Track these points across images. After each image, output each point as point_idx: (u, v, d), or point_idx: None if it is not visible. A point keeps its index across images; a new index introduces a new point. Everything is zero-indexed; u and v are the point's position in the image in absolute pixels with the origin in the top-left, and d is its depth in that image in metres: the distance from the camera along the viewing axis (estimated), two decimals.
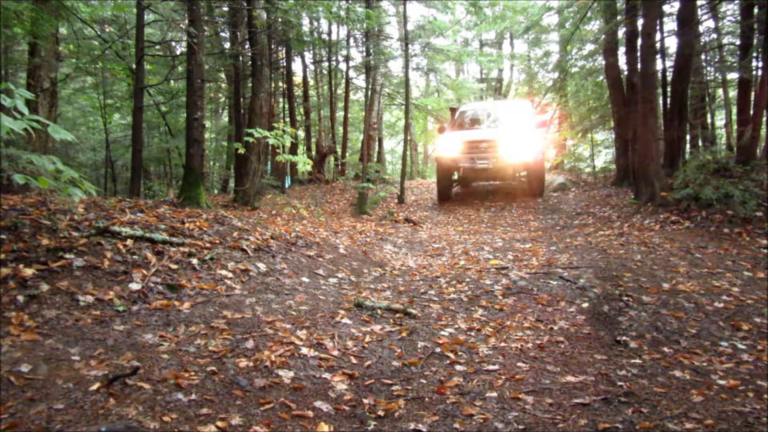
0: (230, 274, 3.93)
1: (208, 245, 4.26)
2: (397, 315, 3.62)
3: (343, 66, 15.98)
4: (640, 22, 8.38)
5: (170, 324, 3.05)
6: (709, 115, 12.32)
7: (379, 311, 3.65)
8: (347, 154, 16.98)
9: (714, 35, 11.45)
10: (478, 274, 4.73)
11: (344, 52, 15.27)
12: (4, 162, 3.41)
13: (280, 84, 14.56)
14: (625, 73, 10.44)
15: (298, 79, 16.78)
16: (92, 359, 2.51)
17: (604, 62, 11.18)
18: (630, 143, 9.94)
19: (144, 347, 2.70)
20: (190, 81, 7.55)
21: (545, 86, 17.22)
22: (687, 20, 8.28)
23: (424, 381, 2.69)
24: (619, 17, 10.26)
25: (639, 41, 8.45)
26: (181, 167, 12.06)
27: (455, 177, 10.77)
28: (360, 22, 11.47)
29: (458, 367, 2.85)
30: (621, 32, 10.41)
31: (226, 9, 10.98)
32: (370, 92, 12.37)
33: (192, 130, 7.44)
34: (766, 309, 3.67)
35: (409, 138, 16.33)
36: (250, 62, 10.54)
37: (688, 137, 10.50)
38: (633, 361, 2.95)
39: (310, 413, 2.30)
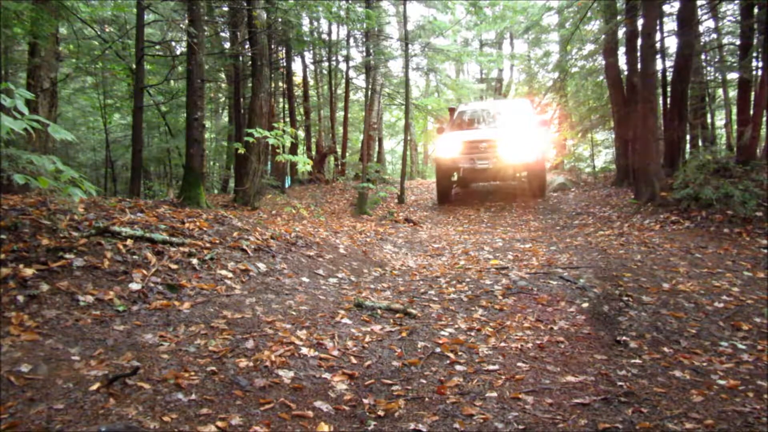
0: (230, 274, 3.93)
1: (208, 245, 4.26)
2: (397, 315, 3.62)
3: (343, 66, 16.00)
4: (640, 22, 8.38)
5: (170, 324, 3.05)
6: (709, 115, 12.32)
7: (379, 311, 3.65)
8: (347, 154, 16.98)
9: (714, 35, 11.46)
10: (478, 274, 4.73)
11: (344, 52, 15.27)
12: (4, 162, 3.41)
13: (280, 84, 14.57)
14: (625, 73, 10.44)
15: (298, 79, 16.79)
16: (92, 359, 2.51)
17: (604, 62, 11.17)
18: (630, 143, 9.94)
19: (144, 347, 2.70)
20: (190, 81, 7.56)
21: (545, 86, 17.23)
22: (687, 20, 8.29)
23: (424, 381, 2.69)
24: (619, 17, 10.26)
25: (639, 41, 8.46)
26: (181, 167, 12.06)
27: (455, 178, 10.72)
28: (360, 22, 11.47)
29: (458, 367, 2.85)
30: (621, 32, 10.41)
31: (226, 9, 10.98)
32: (370, 92, 12.38)
33: (192, 130, 7.44)
34: (766, 309, 3.67)
35: (409, 138, 16.34)
36: (250, 62, 10.55)
37: (688, 137, 10.50)
38: (633, 361, 2.95)
39: (310, 413, 2.30)
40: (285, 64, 14.60)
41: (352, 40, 15.17)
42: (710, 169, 7.03)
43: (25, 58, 9.20)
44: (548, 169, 14.36)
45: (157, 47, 11.34)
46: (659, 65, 9.94)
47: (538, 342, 3.19)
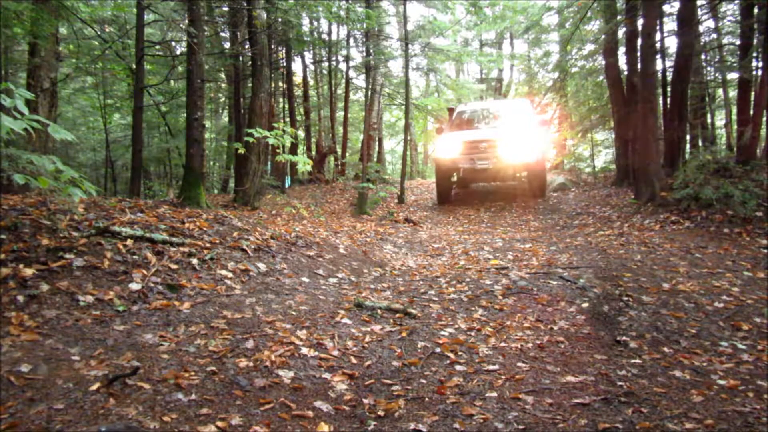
0: (230, 274, 3.94)
1: (208, 245, 4.26)
2: (397, 315, 3.62)
3: (343, 66, 16.00)
4: (640, 22, 8.38)
5: (170, 324, 3.05)
6: (709, 115, 12.32)
7: (379, 311, 3.65)
8: (347, 154, 16.99)
9: (714, 35, 11.45)
10: (478, 274, 4.73)
11: (344, 52, 15.27)
12: (4, 162, 3.41)
13: (280, 84, 14.57)
14: (625, 73, 10.44)
15: (298, 79, 16.79)
16: (92, 359, 2.51)
17: (604, 62, 11.17)
18: (630, 143, 9.94)
19: (144, 347, 2.70)
20: (190, 81, 7.56)
21: (545, 86, 17.23)
22: (687, 20, 8.29)
23: (424, 381, 2.69)
24: (619, 17, 10.26)
25: (639, 41, 8.46)
26: (181, 167, 12.07)
27: (455, 178, 10.70)
28: (360, 22, 11.47)
29: (458, 367, 2.85)
30: (621, 32, 10.41)
31: (226, 9, 10.98)
32: (370, 92, 12.38)
33: (192, 130, 7.44)
34: (766, 309, 3.67)
35: (409, 138, 16.34)
36: (250, 62, 10.55)
37: (688, 137, 10.50)
38: (633, 361, 2.95)
39: (310, 413, 2.31)
40: (285, 64, 14.60)
41: (352, 40, 15.18)
42: (710, 169, 7.03)
43: (25, 58, 9.21)
44: (548, 169, 14.37)
45: (157, 47, 11.35)
46: (659, 65, 9.95)
47: (538, 342, 3.19)
